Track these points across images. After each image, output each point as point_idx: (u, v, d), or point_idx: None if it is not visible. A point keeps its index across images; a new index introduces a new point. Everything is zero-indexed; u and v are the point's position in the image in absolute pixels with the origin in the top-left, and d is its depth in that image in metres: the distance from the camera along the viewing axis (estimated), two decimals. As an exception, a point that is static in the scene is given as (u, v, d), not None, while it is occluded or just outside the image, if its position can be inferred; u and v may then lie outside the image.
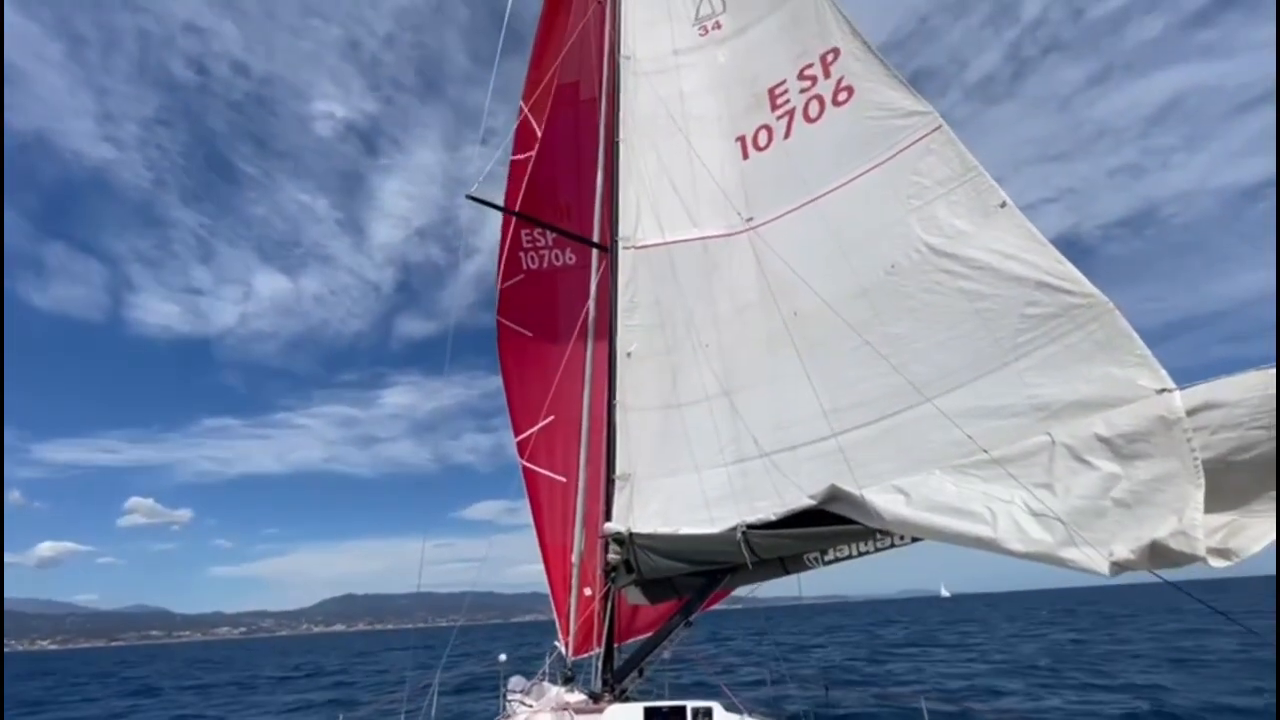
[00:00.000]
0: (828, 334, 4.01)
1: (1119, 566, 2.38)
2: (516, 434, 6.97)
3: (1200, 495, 2.33)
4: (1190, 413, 2.52)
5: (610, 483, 4.95)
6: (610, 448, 5.08)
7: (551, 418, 6.97)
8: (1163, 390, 2.69)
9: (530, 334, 7.59)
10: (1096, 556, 2.46)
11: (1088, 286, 3.10)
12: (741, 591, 4.74)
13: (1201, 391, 2.56)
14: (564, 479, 6.79)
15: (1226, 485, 2.43)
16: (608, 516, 4.78)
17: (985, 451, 2.99)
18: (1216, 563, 2.24)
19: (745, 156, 4.89)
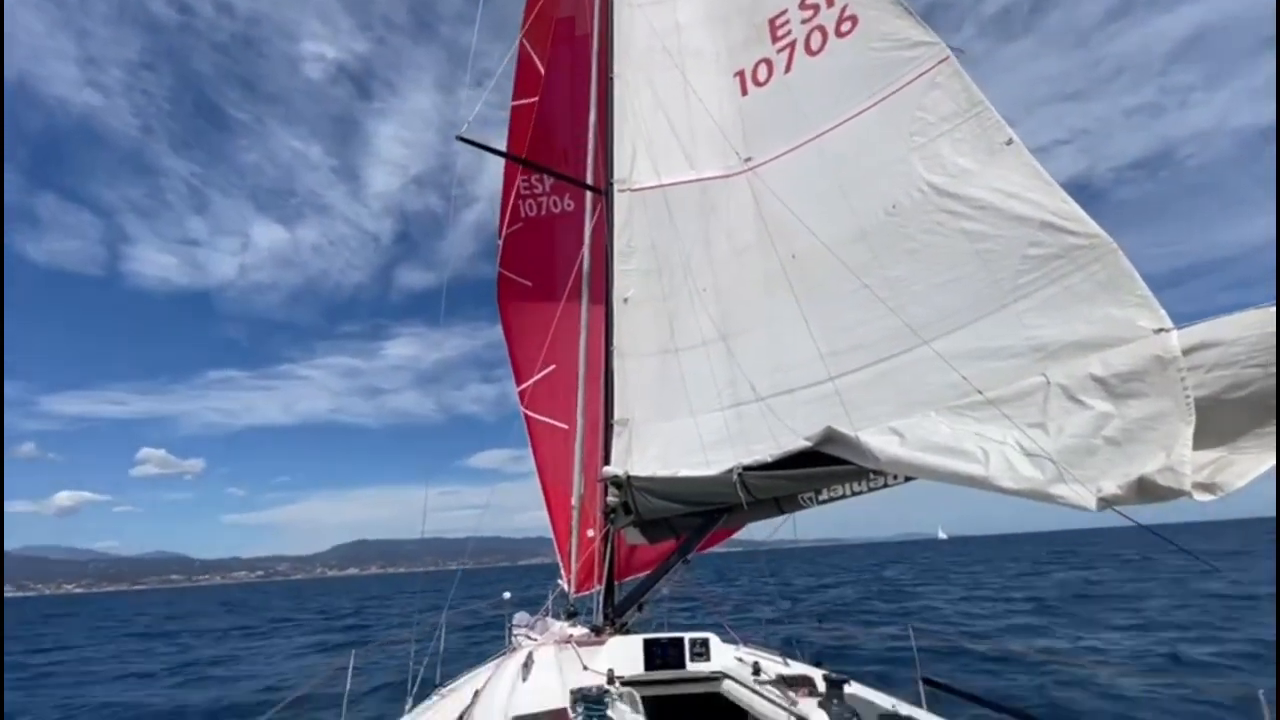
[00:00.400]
0: (826, 277, 3.97)
1: (1106, 502, 2.43)
2: (518, 383, 7.03)
3: (1190, 433, 2.35)
4: (1186, 352, 2.52)
5: (609, 428, 5.01)
6: (608, 394, 5.12)
7: (552, 367, 7.02)
8: (1160, 330, 2.68)
9: (530, 284, 7.55)
10: (1085, 493, 2.50)
11: (1092, 226, 3.04)
12: (742, 535, 4.87)
13: (1199, 331, 2.55)
14: (565, 426, 6.88)
15: (1217, 423, 2.45)
16: (606, 461, 4.86)
17: (980, 393, 3.00)
18: (1201, 497, 2.28)
19: (744, 93, 4.72)
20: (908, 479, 3.21)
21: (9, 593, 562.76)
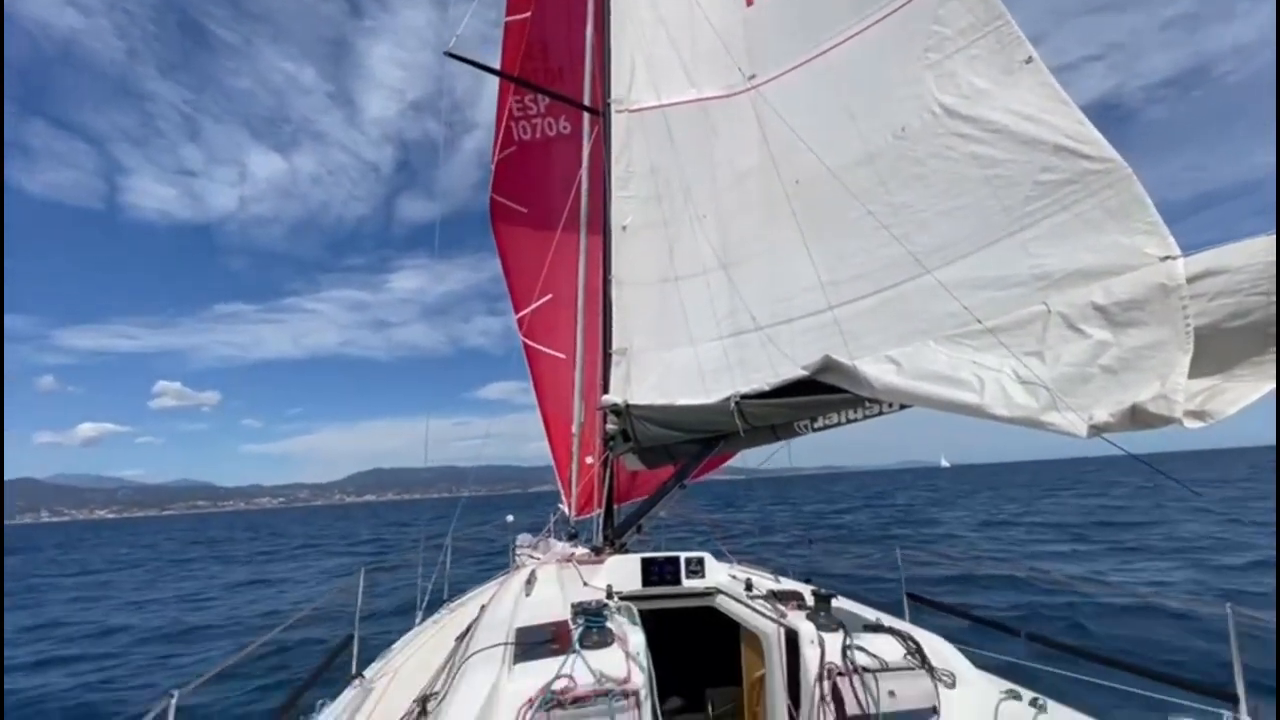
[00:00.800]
0: (829, 203, 3.87)
1: (1096, 429, 2.46)
2: (516, 311, 6.99)
3: (1187, 361, 2.36)
4: (1191, 280, 2.49)
5: (607, 357, 5.03)
6: (606, 323, 5.10)
7: (549, 295, 6.97)
8: (1166, 257, 2.64)
9: (525, 210, 7.37)
10: (1076, 420, 2.53)
11: (1108, 150, 2.93)
12: (741, 462, 4.97)
13: (1205, 258, 2.51)
14: (563, 355, 6.91)
15: (1214, 351, 2.45)
16: (605, 390, 4.90)
17: (980, 322, 2.99)
18: (1191, 424, 2.31)
19: (749, 2, 4.44)
20: (903, 407, 3.25)
21: (45, 518, 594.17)
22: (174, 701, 1.73)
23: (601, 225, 5.36)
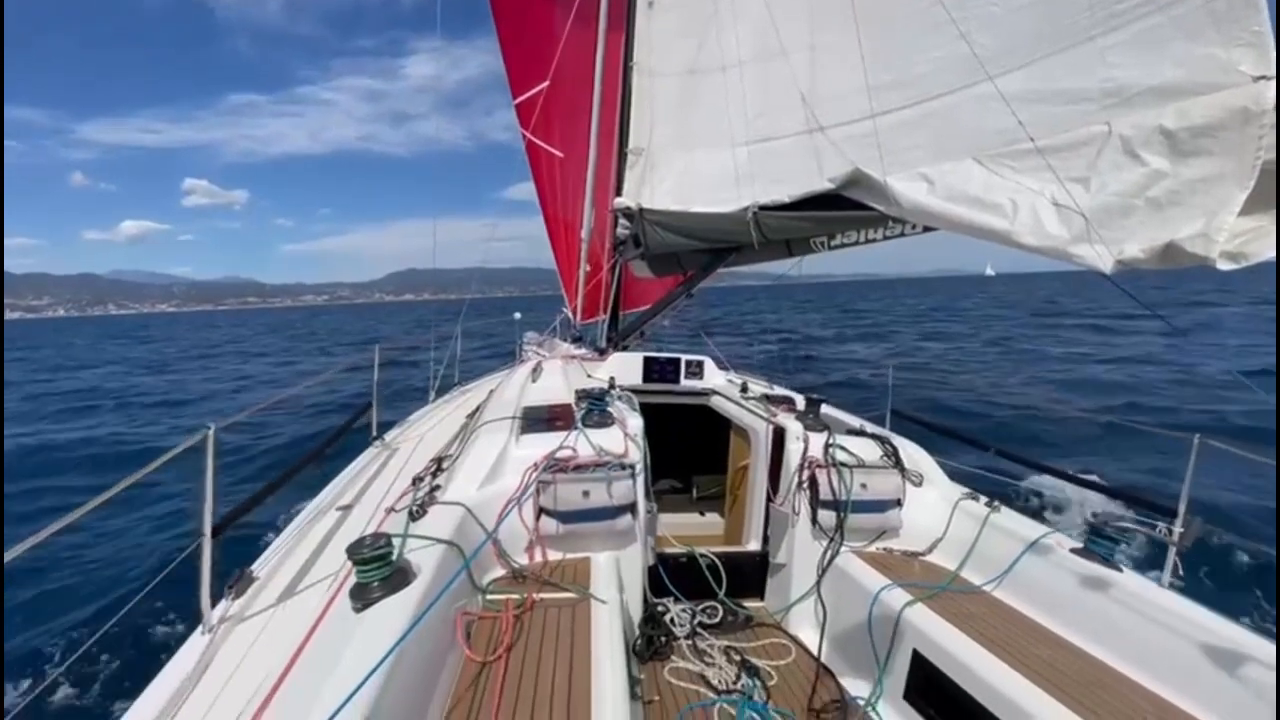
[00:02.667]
0: (891, -12, 3.37)
1: (1123, 265, 2.39)
2: (514, 97, 6.40)
3: (1242, 199, 2.21)
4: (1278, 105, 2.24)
5: (622, 157, 4.75)
6: (624, 118, 4.73)
7: (546, 83, 6.26)
8: (1260, 78, 2.34)
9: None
10: (1105, 254, 2.45)
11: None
12: (772, 267, 4.89)
13: (1302, 78, 2.23)
14: (560, 154, 6.49)
15: (1269, 189, 2.29)
16: (618, 192, 4.70)
17: (1032, 140, 2.75)
18: (1225, 265, 2.23)
19: None
20: (927, 229, 3.14)
21: (113, 310, 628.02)
22: (211, 434, 1.90)
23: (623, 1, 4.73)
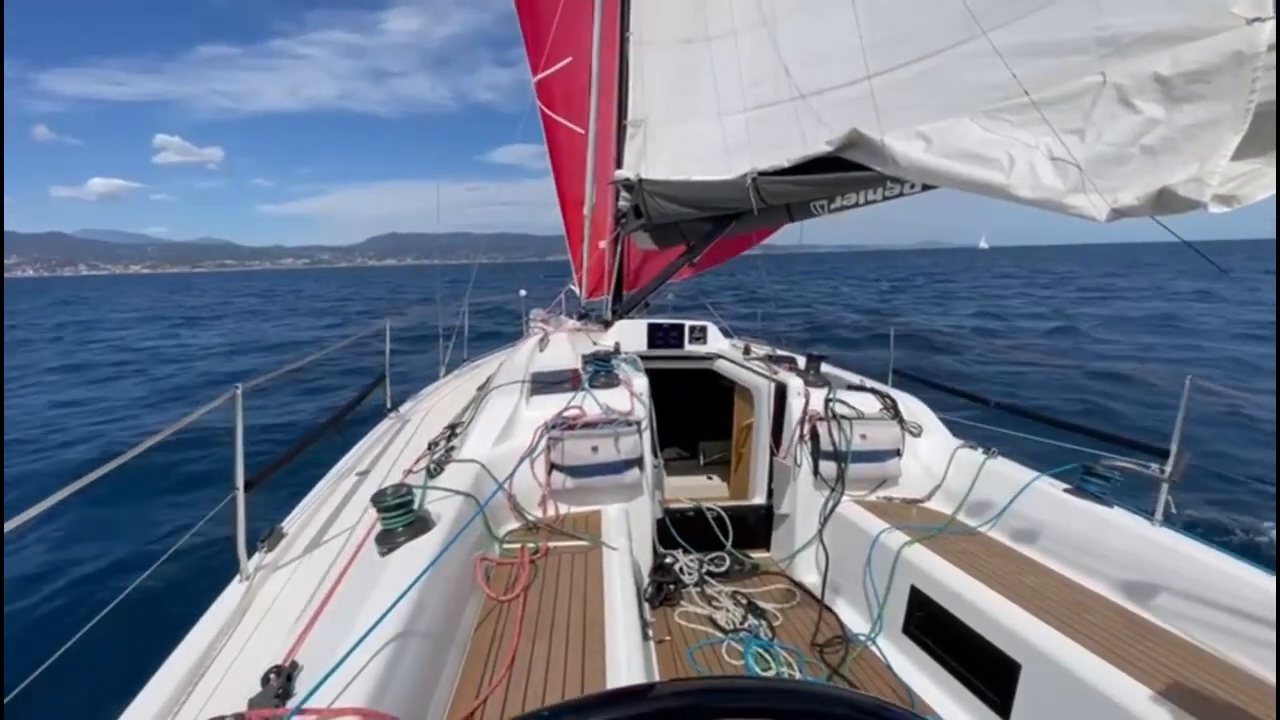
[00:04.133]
0: (887, -55, 3.36)
1: (1118, 213, 2.43)
2: (534, 73, 6.38)
3: (1235, 142, 2.23)
4: (1271, 48, 2.25)
5: (621, 129, 4.77)
6: (623, 90, 4.75)
7: (570, 59, 6.26)
8: (1255, 20, 2.35)
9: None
10: (1100, 202, 2.48)
11: None
12: (775, 238, 4.89)
13: (1296, 20, 2.24)
14: (581, 130, 6.49)
15: (1264, 133, 2.31)
16: (619, 164, 4.74)
17: (1026, 94, 2.78)
18: (1216, 209, 2.26)
19: None
20: (926, 187, 3.17)
21: (84, 271, 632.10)
22: (239, 393, 1.99)
23: (620, -31, 4.71)
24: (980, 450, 3.00)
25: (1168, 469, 2.31)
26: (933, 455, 3.09)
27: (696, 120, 4.35)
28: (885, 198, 3.46)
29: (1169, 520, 2.29)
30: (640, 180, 4.41)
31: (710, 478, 4.35)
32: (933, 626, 2.26)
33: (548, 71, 6.20)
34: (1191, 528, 2.30)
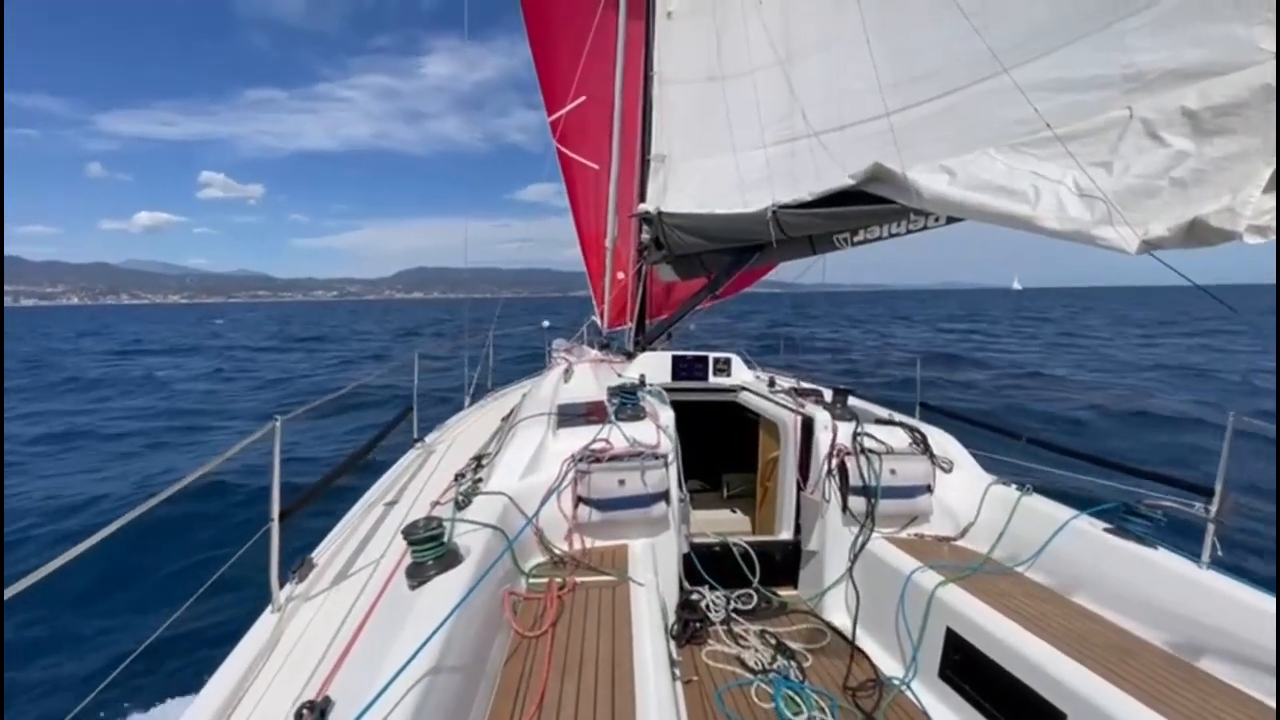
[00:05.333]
0: (904, -13, 3.43)
1: (1148, 245, 2.40)
2: (549, 113, 6.61)
3: (1268, 174, 2.22)
4: (1301, 82, 2.24)
5: (645, 164, 4.86)
6: (645, 127, 4.85)
7: (583, 97, 6.50)
8: (1281, 54, 2.35)
9: (556, -11, 6.60)
10: (1129, 235, 2.46)
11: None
12: (777, 276, 4.94)
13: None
14: (595, 166, 6.65)
15: (1298, 164, 2.29)
16: (642, 198, 4.82)
17: (1049, 127, 2.79)
18: (1251, 239, 2.23)
19: None
20: (950, 220, 3.17)
21: (126, 300, 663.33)
22: (278, 425, 2.02)
23: (644, 12, 4.86)
24: (1014, 487, 2.93)
25: (1213, 508, 2.24)
26: (964, 491, 3.02)
27: (717, 155, 4.42)
28: (909, 230, 3.46)
29: (1215, 562, 2.20)
30: (660, 213, 4.48)
31: (734, 510, 4.29)
32: (970, 671, 2.18)
33: (562, 111, 6.41)
34: (1238, 569, 2.20)
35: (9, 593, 1.18)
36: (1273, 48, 2.34)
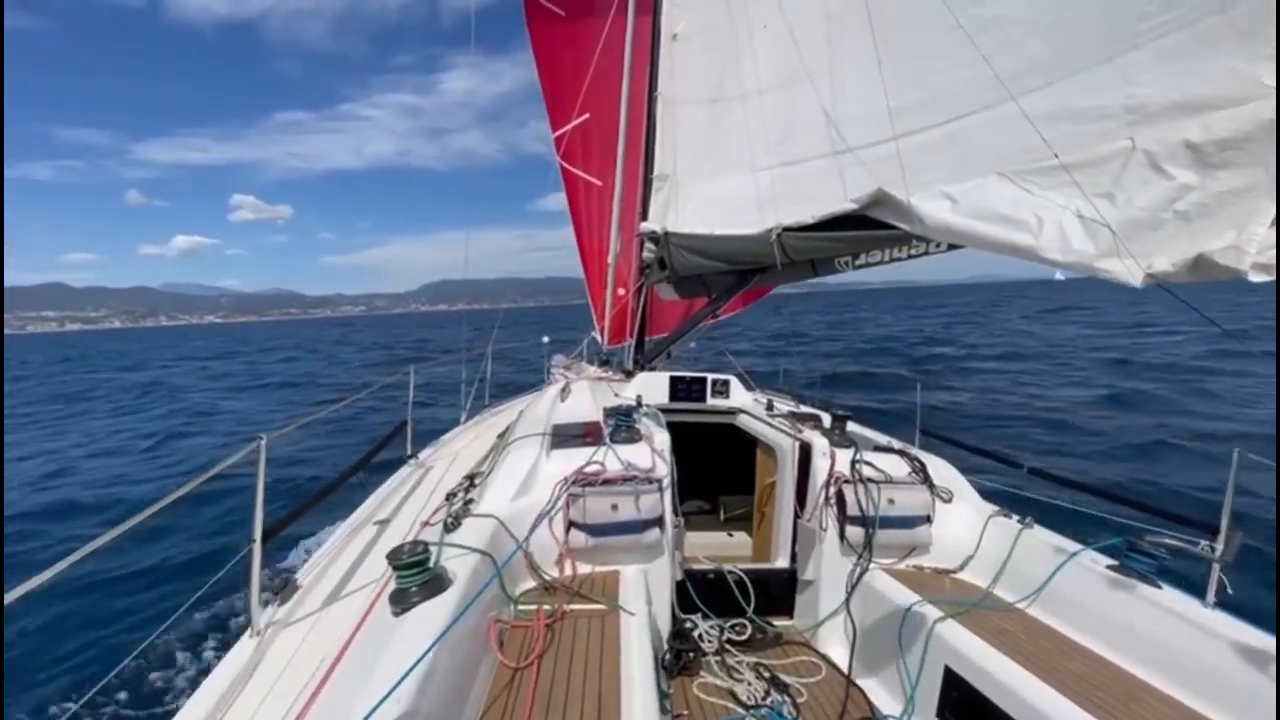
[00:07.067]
0: (909, 14, 3.45)
1: (1152, 279, 2.38)
2: (553, 130, 6.66)
3: (1273, 210, 2.20)
4: (1303, 117, 2.23)
5: (648, 183, 4.87)
6: (649, 146, 4.87)
7: (587, 115, 6.56)
8: (1286, 89, 2.34)
9: (562, 12, 6.70)
10: (1134, 268, 2.44)
11: (1254, -49, 2.49)
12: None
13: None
14: (599, 182, 6.69)
15: (1304, 200, 2.27)
16: (644, 217, 4.82)
17: (1055, 156, 2.78)
18: (1256, 277, 2.21)
19: None
20: (952, 247, 3.16)
21: (164, 322, 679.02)
22: (264, 443, 1.99)
23: (649, 32, 4.90)
24: (1015, 519, 2.88)
25: (1218, 547, 2.19)
26: (964, 523, 2.97)
27: (721, 175, 4.43)
28: (911, 256, 3.45)
29: (1222, 602, 2.15)
30: (666, 232, 4.48)
31: (731, 534, 4.24)
32: (969, 712, 2.13)
33: (566, 127, 6.47)
34: (1242, 610, 2.15)
35: (9, 597, 1.18)
36: (1274, 83, 2.34)
